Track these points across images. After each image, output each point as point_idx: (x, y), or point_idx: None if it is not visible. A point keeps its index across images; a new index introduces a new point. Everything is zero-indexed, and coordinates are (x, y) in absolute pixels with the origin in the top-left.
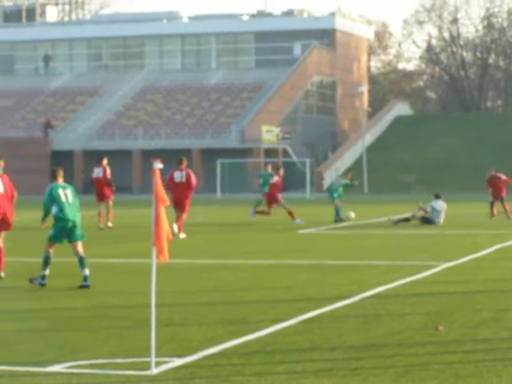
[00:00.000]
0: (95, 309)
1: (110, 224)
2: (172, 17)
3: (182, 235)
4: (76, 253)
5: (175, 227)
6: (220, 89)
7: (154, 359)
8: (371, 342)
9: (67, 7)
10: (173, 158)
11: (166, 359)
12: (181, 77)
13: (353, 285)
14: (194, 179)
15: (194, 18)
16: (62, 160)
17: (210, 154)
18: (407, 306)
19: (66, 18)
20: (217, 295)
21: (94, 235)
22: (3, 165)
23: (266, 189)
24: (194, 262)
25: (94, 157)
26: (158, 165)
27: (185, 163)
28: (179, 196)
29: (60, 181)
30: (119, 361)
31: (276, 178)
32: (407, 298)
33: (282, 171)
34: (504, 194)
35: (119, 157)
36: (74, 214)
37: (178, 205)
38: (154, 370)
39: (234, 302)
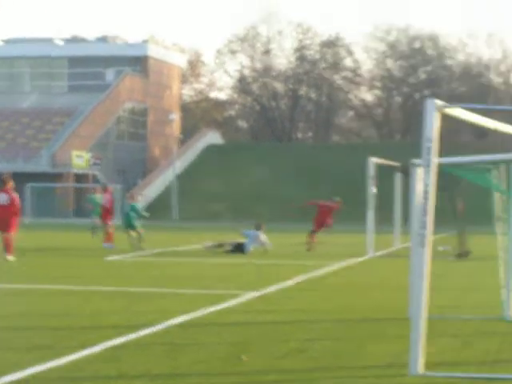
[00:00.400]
0: None
1: None
2: None
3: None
4: None
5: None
6: (32, 113)
7: None
8: (176, 371)
9: None
10: None
11: None
12: None
13: (158, 313)
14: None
15: (7, 42)
16: None
17: (20, 178)
18: (212, 336)
19: None
20: (22, 320)
21: None
22: None
23: (97, 212)
24: (1, 287)
25: None
26: None
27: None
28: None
29: None
30: None
31: (107, 196)
32: (212, 327)
33: (110, 188)
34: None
35: None
36: None
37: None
38: None
39: (39, 328)
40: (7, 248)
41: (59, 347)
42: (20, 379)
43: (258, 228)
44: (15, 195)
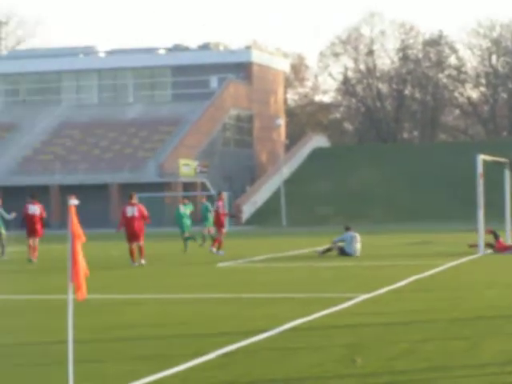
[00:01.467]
0: (13, 346)
1: (34, 260)
2: (89, 51)
3: (143, 261)
4: None
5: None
6: (137, 123)
7: None
8: (290, 376)
9: None
10: (91, 192)
11: None
12: (98, 111)
13: (271, 318)
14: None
15: (110, 53)
16: None
17: (127, 189)
18: (325, 339)
19: None
20: (135, 330)
21: (17, 270)
22: None
23: (209, 221)
24: (111, 298)
25: (12, 193)
26: (73, 201)
27: (135, 198)
28: (132, 228)
29: None
30: None
31: (219, 203)
32: (325, 331)
33: (223, 195)
34: None
35: (37, 192)
36: None
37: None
38: None
39: (151, 337)
40: (141, 254)
41: (173, 356)
42: None
43: (347, 230)
44: (141, 206)
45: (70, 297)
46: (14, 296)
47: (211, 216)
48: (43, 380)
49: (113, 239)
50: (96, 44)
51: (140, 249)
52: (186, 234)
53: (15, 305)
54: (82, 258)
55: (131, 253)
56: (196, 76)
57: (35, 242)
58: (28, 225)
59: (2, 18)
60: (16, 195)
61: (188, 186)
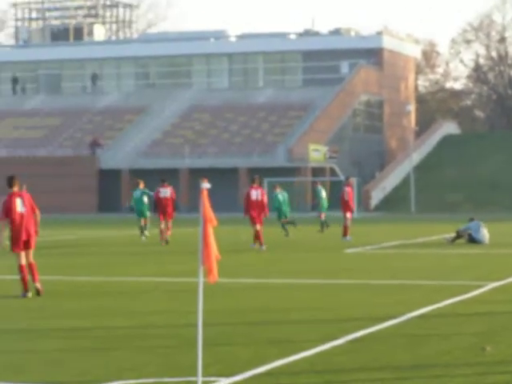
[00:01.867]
0: (142, 328)
1: (168, 236)
2: (219, 36)
3: (264, 247)
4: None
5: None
6: (267, 107)
7: (200, 379)
8: (419, 362)
9: (114, 26)
10: (220, 176)
11: (213, 379)
12: (228, 95)
13: (399, 305)
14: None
15: (241, 37)
16: (108, 178)
17: (257, 173)
18: (454, 326)
19: (114, 37)
20: (263, 315)
21: (146, 252)
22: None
23: (322, 207)
24: (240, 282)
25: (140, 175)
26: (206, 185)
27: (257, 181)
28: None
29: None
30: (166, 380)
31: (347, 189)
32: (454, 318)
33: (351, 181)
34: None
35: (166, 175)
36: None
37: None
38: None
39: (280, 322)
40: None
41: (300, 341)
42: (263, 372)
43: (471, 221)
44: (264, 191)
45: (201, 280)
46: (144, 278)
47: (324, 201)
48: (172, 362)
49: (241, 223)
50: (227, 28)
51: (256, 233)
52: (285, 220)
53: (145, 287)
54: (213, 242)
55: (257, 236)
56: (327, 61)
57: (168, 223)
58: (160, 207)
59: (134, 2)
60: (145, 178)
61: (317, 171)
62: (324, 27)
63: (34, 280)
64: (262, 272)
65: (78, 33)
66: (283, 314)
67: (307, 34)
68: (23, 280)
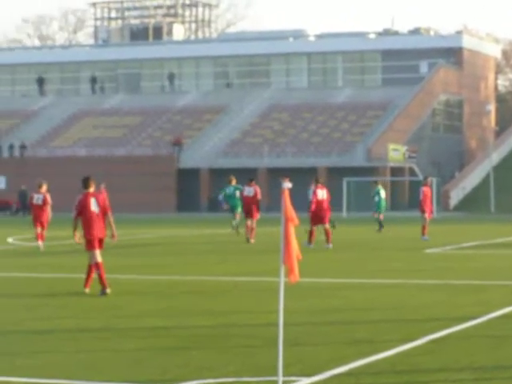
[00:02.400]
0: (222, 327)
1: (252, 240)
2: (298, 35)
3: (331, 245)
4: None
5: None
6: (346, 107)
7: (281, 378)
8: (500, 363)
9: (194, 26)
10: (298, 176)
11: (294, 378)
12: (307, 95)
13: (479, 305)
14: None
15: (320, 37)
16: (187, 178)
17: (335, 173)
18: None
19: (193, 37)
20: (343, 314)
21: (226, 251)
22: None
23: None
24: (320, 281)
25: (219, 175)
26: (287, 184)
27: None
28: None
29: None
30: (246, 380)
31: (424, 189)
32: None
33: (429, 181)
34: None
35: (245, 175)
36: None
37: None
38: None
39: (360, 322)
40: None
41: (380, 341)
42: (343, 372)
43: None
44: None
45: (282, 279)
46: (224, 277)
47: (382, 201)
48: (252, 362)
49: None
50: (306, 27)
51: (326, 231)
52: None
53: (225, 287)
54: (294, 241)
55: (326, 234)
56: (406, 61)
57: (252, 222)
58: (244, 206)
59: (213, 1)
60: (224, 177)
61: (396, 171)
62: (403, 27)
63: (102, 281)
64: (343, 271)
65: (157, 32)
66: (364, 313)
67: (386, 33)
68: (101, 277)
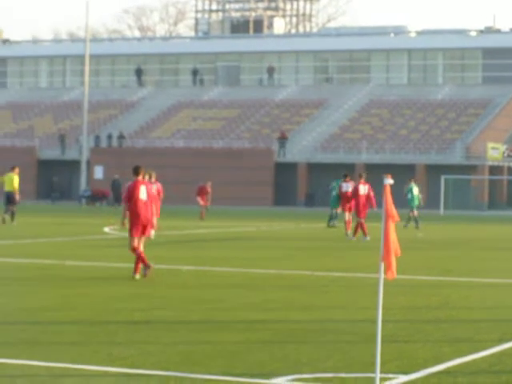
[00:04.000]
0: (319, 322)
1: (353, 236)
2: (399, 31)
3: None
4: None
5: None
6: (446, 104)
7: (378, 375)
8: None
9: (294, 19)
10: (397, 173)
11: (391, 375)
12: (407, 92)
13: None
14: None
15: (421, 33)
16: (285, 172)
17: (434, 170)
18: None
19: (293, 31)
20: (441, 312)
21: (323, 246)
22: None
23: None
24: (417, 279)
25: (317, 169)
26: (389, 180)
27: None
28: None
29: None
30: (344, 376)
31: None
32: None
33: None
34: None
35: (342, 170)
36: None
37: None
38: None
39: (458, 320)
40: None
41: (478, 340)
42: (441, 371)
43: None
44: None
45: (381, 276)
46: (320, 272)
47: (416, 198)
48: (350, 358)
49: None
50: (407, 24)
51: (361, 225)
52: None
53: (321, 281)
54: (394, 238)
55: (361, 227)
56: (507, 59)
57: (350, 217)
58: (343, 201)
59: None
60: (321, 172)
61: (494, 170)
62: (505, 25)
63: (143, 262)
64: (438, 270)
65: (258, 25)
66: (462, 312)
67: (488, 31)
68: (139, 258)
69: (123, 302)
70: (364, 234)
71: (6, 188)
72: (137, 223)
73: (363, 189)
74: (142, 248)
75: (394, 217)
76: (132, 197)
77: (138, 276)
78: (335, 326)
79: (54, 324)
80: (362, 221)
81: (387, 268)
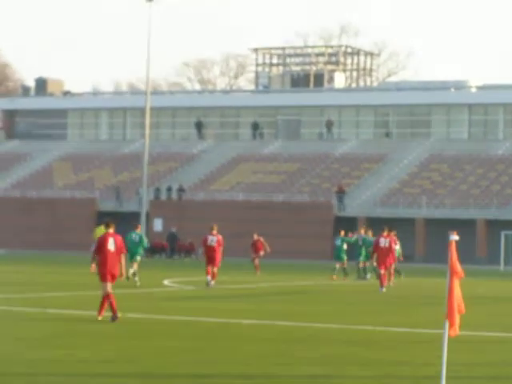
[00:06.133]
0: (381, 378)
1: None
2: (460, 86)
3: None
4: None
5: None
6: (506, 160)
7: None
8: None
9: (355, 74)
10: (457, 228)
11: None
12: (467, 147)
13: None
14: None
15: (482, 88)
16: (344, 226)
17: (494, 226)
18: None
19: (354, 85)
20: (505, 369)
21: (380, 301)
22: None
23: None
24: (480, 335)
25: (376, 224)
26: (454, 237)
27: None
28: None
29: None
30: None
31: None
32: None
33: None
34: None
35: (401, 225)
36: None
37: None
38: None
39: None
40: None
41: None
42: None
43: None
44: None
45: (446, 333)
46: (379, 327)
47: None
48: None
49: (476, 276)
50: (467, 78)
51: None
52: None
53: (379, 337)
54: (458, 294)
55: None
56: None
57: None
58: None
59: (375, 50)
60: (379, 227)
61: None
62: None
63: (113, 308)
64: (500, 326)
65: (319, 79)
66: None
67: None
68: (112, 306)
69: (184, 354)
70: (381, 284)
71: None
72: (105, 271)
73: (384, 241)
74: (111, 291)
75: (459, 273)
76: (101, 247)
77: (100, 318)
78: (397, 382)
79: (114, 377)
80: (382, 272)
81: (450, 325)
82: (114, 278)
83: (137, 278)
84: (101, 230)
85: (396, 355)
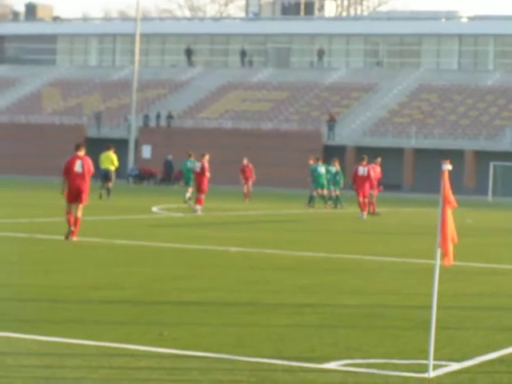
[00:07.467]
0: (370, 307)
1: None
2: (451, 16)
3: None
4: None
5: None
6: (496, 91)
7: (431, 362)
8: None
9: (346, 2)
10: (445, 158)
11: (443, 363)
12: (457, 77)
13: None
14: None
15: (472, 19)
16: (333, 155)
17: (482, 156)
18: None
19: (344, 14)
20: (493, 300)
21: (372, 231)
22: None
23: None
24: (469, 265)
25: (365, 153)
26: (447, 166)
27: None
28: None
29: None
30: (396, 362)
31: None
32: None
33: None
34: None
35: (390, 154)
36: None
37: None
38: (432, 373)
39: (510, 308)
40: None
41: None
42: (494, 359)
43: None
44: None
45: (437, 262)
46: (369, 257)
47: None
48: (402, 344)
49: (466, 206)
50: (458, 9)
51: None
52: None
53: (369, 266)
54: (451, 224)
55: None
56: None
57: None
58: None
59: None
60: (369, 156)
61: None
62: None
63: (73, 232)
64: (488, 257)
65: (309, 8)
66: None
67: None
68: (68, 222)
69: (172, 282)
70: (362, 210)
71: (103, 166)
72: (71, 192)
73: (362, 170)
74: (79, 215)
75: (452, 203)
76: (68, 170)
77: (75, 238)
78: (385, 311)
79: (102, 303)
80: (360, 200)
81: (444, 254)
82: (80, 198)
83: (191, 202)
84: (106, 156)
85: (385, 284)
